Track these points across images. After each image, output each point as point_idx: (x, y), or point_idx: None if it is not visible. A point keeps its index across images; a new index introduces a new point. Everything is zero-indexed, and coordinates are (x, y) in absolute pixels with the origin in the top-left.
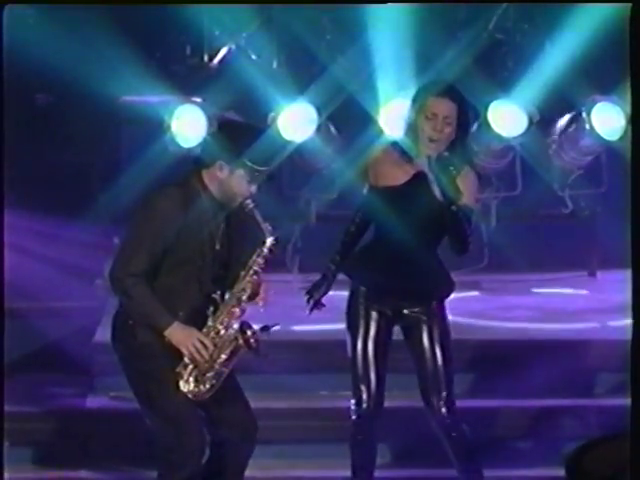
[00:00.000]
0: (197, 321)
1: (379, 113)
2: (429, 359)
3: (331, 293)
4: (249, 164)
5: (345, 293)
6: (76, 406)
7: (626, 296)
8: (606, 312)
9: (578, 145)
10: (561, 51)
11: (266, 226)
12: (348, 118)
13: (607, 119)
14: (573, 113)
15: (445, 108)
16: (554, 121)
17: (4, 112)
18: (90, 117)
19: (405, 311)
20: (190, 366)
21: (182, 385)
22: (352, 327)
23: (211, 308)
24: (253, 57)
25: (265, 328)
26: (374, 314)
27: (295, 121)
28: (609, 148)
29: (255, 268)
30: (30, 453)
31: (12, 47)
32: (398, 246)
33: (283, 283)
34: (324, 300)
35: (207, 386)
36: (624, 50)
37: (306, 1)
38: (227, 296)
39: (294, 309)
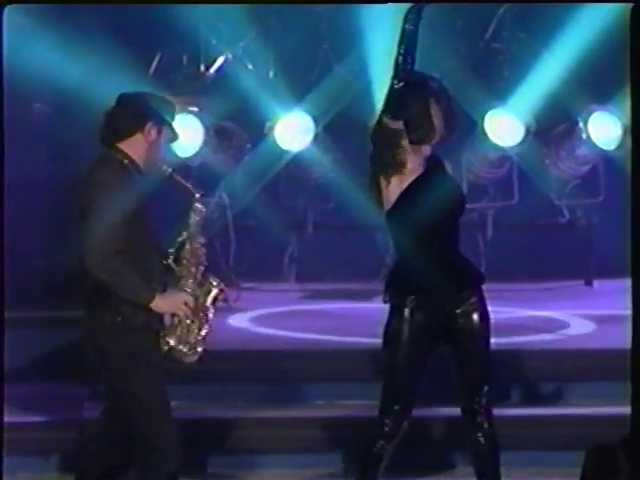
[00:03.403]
0: (163, 290)
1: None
2: (475, 362)
3: (330, 303)
4: (169, 121)
5: (344, 304)
6: (76, 414)
7: (623, 305)
8: (603, 321)
9: (575, 154)
10: (558, 60)
11: (189, 186)
12: (345, 128)
13: (604, 128)
14: (570, 123)
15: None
16: (551, 130)
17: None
18: (87, 126)
19: (453, 306)
20: (185, 327)
21: (183, 347)
22: (394, 339)
23: (169, 274)
24: (250, 66)
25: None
26: (418, 328)
27: (292, 131)
28: (606, 157)
29: (193, 228)
30: (30, 462)
31: (10, 56)
32: (432, 236)
33: (280, 292)
34: (330, 306)
35: (203, 345)
36: (621, 60)
37: (306, 1)
38: (184, 260)
39: (291, 317)
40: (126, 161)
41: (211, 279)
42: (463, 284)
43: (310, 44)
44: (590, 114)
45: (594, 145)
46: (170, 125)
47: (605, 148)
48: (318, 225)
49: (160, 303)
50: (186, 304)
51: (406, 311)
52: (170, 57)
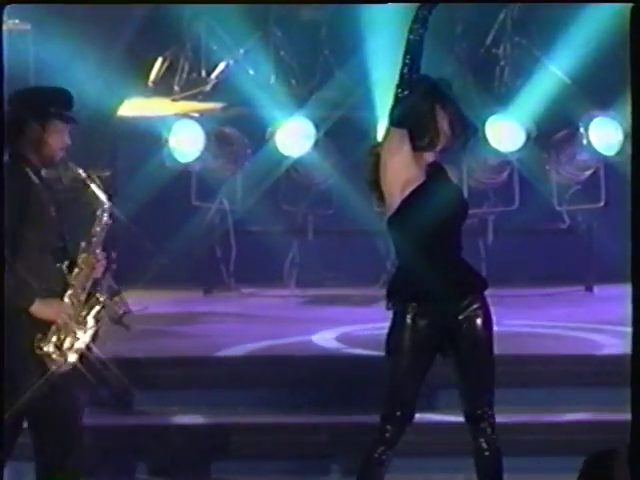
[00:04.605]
0: (56, 293)
1: (377, 128)
2: (478, 368)
3: (329, 307)
4: (54, 110)
5: (342, 308)
6: None
7: (623, 310)
8: (603, 327)
9: (575, 160)
10: (558, 66)
11: (101, 193)
12: (346, 133)
13: (605, 134)
14: (570, 128)
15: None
16: (551, 136)
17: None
18: (88, 133)
19: (456, 312)
20: (62, 335)
21: (55, 355)
22: (397, 346)
23: (63, 278)
24: (250, 72)
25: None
26: (421, 335)
27: (293, 136)
28: (607, 163)
29: (95, 237)
30: (30, 468)
31: (11, 65)
32: (434, 243)
33: (280, 298)
34: (330, 312)
35: (75, 356)
36: (621, 65)
37: (306, 1)
38: (76, 268)
39: (291, 323)
40: (19, 160)
41: (98, 294)
42: (466, 290)
43: (311, 49)
44: (591, 120)
45: (595, 151)
46: (58, 115)
47: (606, 154)
48: (319, 231)
49: (40, 308)
50: (66, 314)
51: (408, 318)
52: (171, 62)
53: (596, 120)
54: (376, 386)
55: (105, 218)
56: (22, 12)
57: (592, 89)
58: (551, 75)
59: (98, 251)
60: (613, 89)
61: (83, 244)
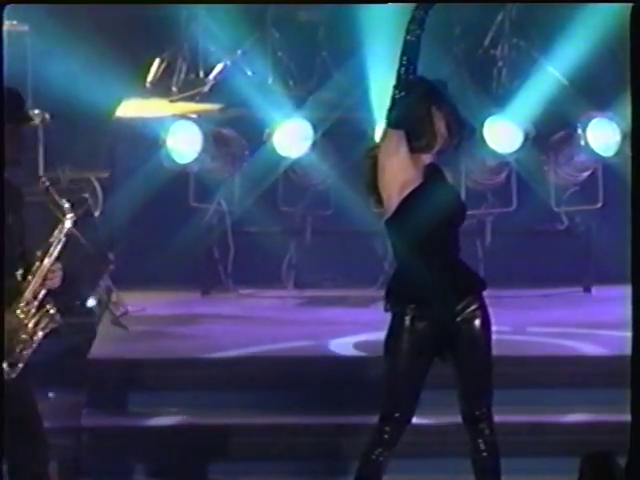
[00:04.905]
0: (6, 301)
1: (374, 129)
2: (477, 369)
3: (327, 309)
4: (4, 113)
5: (340, 310)
6: (74, 421)
7: (621, 311)
8: (601, 328)
9: (573, 161)
10: (556, 67)
11: (63, 202)
12: (344, 134)
13: (603, 135)
14: (569, 129)
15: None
16: (549, 137)
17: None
18: (86, 134)
19: (454, 313)
20: (7, 345)
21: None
22: (395, 347)
23: (16, 286)
24: (248, 73)
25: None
26: (419, 336)
27: (291, 137)
28: (605, 164)
29: (52, 246)
30: None
31: (9, 66)
32: (432, 244)
33: (278, 298)
34: (328, 313)
35: (21, 364)
36: (620, 66)
37: (306, 1)
38: (29, 276)
39: (289, 324)
40: None
41: (49, 306)
42: (464, 291)
43: (309, 50)
44: (589, 120)
45: (593, 152)
46: (9, 118)
47: (604, 155)
48: (317, 231)
49: None
50: (11, 323)
51: (407, 319)
52: (169, 63)
53: (594, 121)
54: (374, 387)
55: (66, 226)
56: (20, 13)
57: (590, 90)
58: (549, 76)
59: (53, 260)
60: (611, 90)
61: (39, 253)
